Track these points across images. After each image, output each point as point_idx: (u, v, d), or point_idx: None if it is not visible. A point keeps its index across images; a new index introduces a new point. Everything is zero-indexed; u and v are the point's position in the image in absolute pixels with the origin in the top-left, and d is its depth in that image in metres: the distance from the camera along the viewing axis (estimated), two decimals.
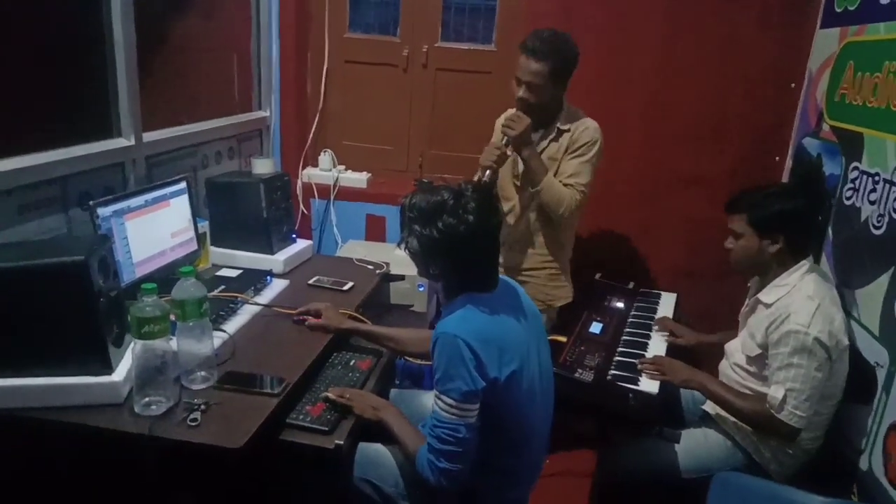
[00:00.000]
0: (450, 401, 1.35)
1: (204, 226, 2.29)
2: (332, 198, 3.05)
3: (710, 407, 2.07)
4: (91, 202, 1.73)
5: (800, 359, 1.73)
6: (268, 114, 2.94)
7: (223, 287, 2.06)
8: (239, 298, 2.00)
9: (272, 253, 2.34)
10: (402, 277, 2.67)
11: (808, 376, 1.72)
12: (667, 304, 2.59)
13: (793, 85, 2.62)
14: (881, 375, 1.75)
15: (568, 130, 2.18)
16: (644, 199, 2.85)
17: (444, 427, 1.37)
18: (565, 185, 2.16)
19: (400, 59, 3.00)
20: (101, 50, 1.94)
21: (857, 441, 1.81)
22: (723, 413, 1.98)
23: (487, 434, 1.41)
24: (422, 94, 3.03)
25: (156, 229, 1.98)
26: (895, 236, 1.76)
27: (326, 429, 1.54)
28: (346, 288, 2.25)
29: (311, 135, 3.07)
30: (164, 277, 1.92)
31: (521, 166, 2.24)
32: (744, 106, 2.69)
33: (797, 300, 1.80)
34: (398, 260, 2.74)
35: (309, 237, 2.93)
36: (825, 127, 2.31)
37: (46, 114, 1.88)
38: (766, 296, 1.91)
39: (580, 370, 1.93)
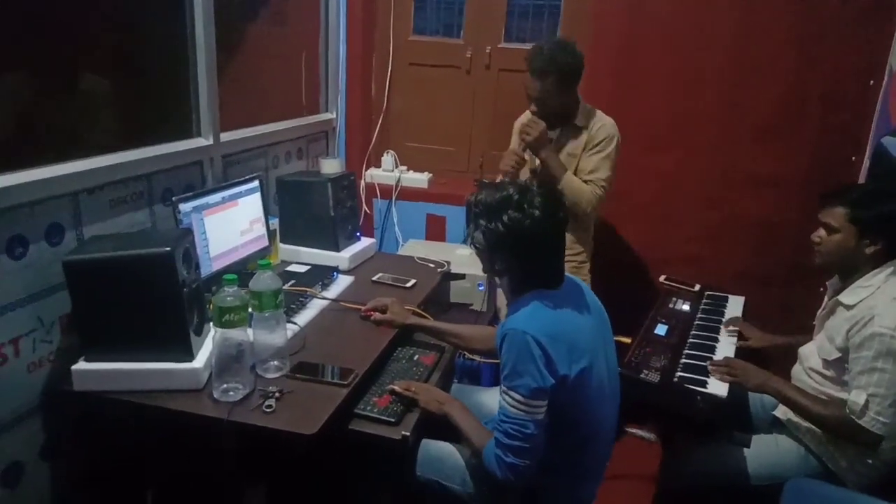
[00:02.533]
0: (518, 397, 1.36)
1: (274, 223, 2.37)
2: (393, 197, 3.10)
3: (781, 412, 2.00)
4: (174, 198, 1.82)
5: (884, 363, 1.66)
6: (334, 115, 3.02)
7: (293, 282, 2.13)
8: (308, 293, 2.07)
9: (338, 250, 2.40)
10: (462, 276, 2.70)
11: (893, 381, 1.65)
12: (734, 308, 2.52)
13: (871, 82, 2.51)
14: None
15: (586, 128, 2.24)
16: (713, 200, 2.79)
17: (512, 422, 1.38)
18: (585, 181, 2.22)
19: (463, 61, 3.03)
20: (184, 53, 2.05)
21: None
22: (795, 419, 1.92)
23: (557, 431, 1.41)
24: (484, 96, 3.05)
25: (231, 225, 2.06)
26: None
27: (393, 420, 1.57)
28: (408, 285, 2.29)
29: (375, 136, 3.14)
30: (238, 271, 2.01)
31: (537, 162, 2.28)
32: (819, 104, 2.60)
33: (882, 302, 1.72)
34: (458, 259, 2.77)
35: (371, 236, 3.00)
36: None
37: (134, 114, 1.99)
38: (847, 297, 1.84)
39: (646, 371, 1.91)
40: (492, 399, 1.92)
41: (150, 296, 1.46)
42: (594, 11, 2.71)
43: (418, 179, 3.11)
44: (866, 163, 2.54)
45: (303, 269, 2.30)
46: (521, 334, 1.35)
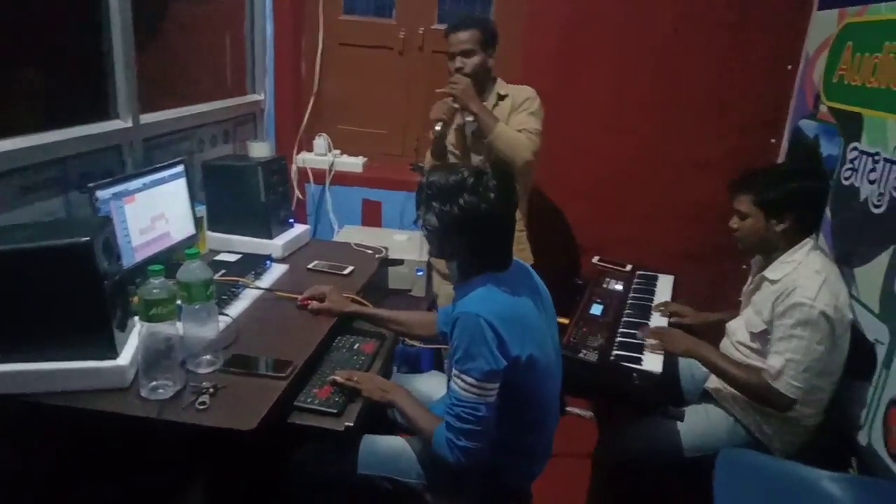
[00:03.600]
0: (470, 380, 1.35)
1: (201, 210, 2.26)
2: (327, 182, 3.03)
3: (711, 385, 2.09)
4: (90, 185, 1.70)
5: (802, 331, 1.74)
6: (262, 97, 2.91)
7: (223, 272, 2.04)
8: (240, 282, 1.99)
9: (271, 237, 2.32)
10: (400, 262, 2.66)
11: (809, 349, 1.74)
12: (664, 286, 2.60)
13: (789, 67, 2.63)
14: (881, 352, 1.77)
15: (507, 95, 2.30)
16: (646, 182, 2.87)
17: (464, 406, 1.37)
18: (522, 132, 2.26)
19: (396, 42, 2.97)
20: (99, 30, 1.90)
21: (857, 417, 1.84)
22: (724, 390, 2.00)
23: (508, 413, 1.41)
24: (417, 78, 3.01)
25: (154, 213, 1.95)
26: (894, 215, 1.78)
27: (335, 411, 1.53)
28: (346, 272, 2.24)
29: (306, 119, 3.04)
30: (164, 262, 1.90)
31: (469, 133, 2.33)
32: (742, 90, 2.70)
33: (804, 274, 1.81)
34: (396, 245, 2.74)
35: (305, 222, 2.92)
36: (822, 108, 2.32)
37: (46, 95, 1.84)
38: (771, 272, 1.92)
39: (584, 350, 1.94)
40: (427, 385, 1.91)
41: (69, 290, 1.36)
42: None
43: (352, 163, 3.04)
44: (785, 144, 2.67)
45: (233, 258, 2.21)
46: (474, 317, 1.34)
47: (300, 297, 1.92)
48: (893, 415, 1.69)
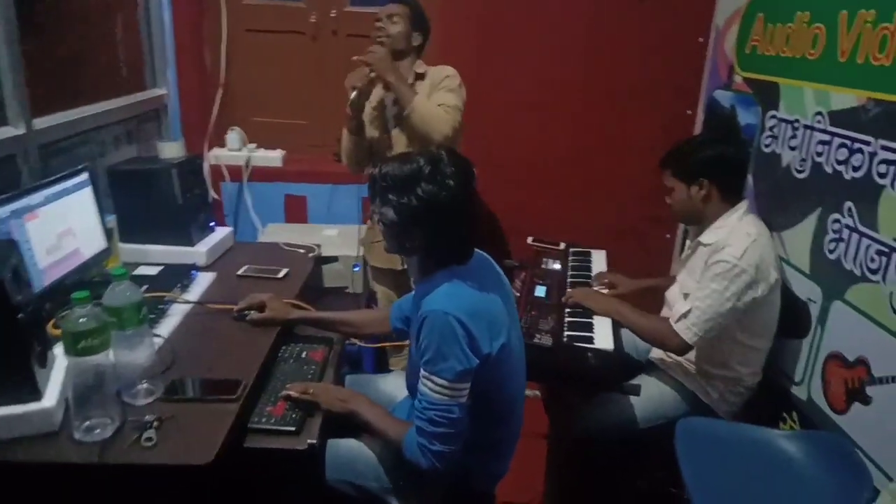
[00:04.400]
0: (442, 381, 1.29)
1: (111, 221, 2.06)
2: (245, 179, 2.85)
3: (654, 355, 2.15)
4: None
5: (717, 283, 1.81)
6: (165, 91, 2.68)
7: (146, 287, 1.86)
8: (167, 298, 1.82)
9: (192, 245, 2.15)
10: (335, 259, 2.56)
11: (718, 300, 1.80)
12: (598, 261, 2.63)
13: (700, 40, 2.71)
14: (815, 311, 1.86)
15: (425, 73, 2.27)
16: (569, 161, 2.89)
17: (436, 409, 1.31)
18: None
19: (307, 27, 2.82)
20: None
21: (795, 373, 1.94)
22: (667, 359, 2.06)
23: (478, 410, 1.36)
24: (334, 64, 2.86)
25: (60, 228, 1.74)
26: (818, 179, 1.87)
27: (294, 428, 1.43)
28: (280, 275, 2.11)
29: (215, 112, 2.84)
30: (76, 282, 1.72)
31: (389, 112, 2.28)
32: (657, 65, 2.76)
33: (735, 236, 1.87)
34: (327, 241, 2.62)
35: (223, 224, 2.73)
36: (737, 79, 2.41)
37: None
38: (706, 237, 1.98)
39: (538, 335, 1.92)
40: (389, 385, 1.84)
41: None
42: None
43: (271, 157, 2.87)
44: (701, 115, 2.76)
45: (154, 270, 2.03)
46: (443, 315, 1.28)
47: (235, 307, 1.78)
48: (830, 369, 1.78)
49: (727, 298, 1.79)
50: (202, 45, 2.79)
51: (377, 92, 2.26)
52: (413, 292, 1.57)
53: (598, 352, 1.90)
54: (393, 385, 1.82)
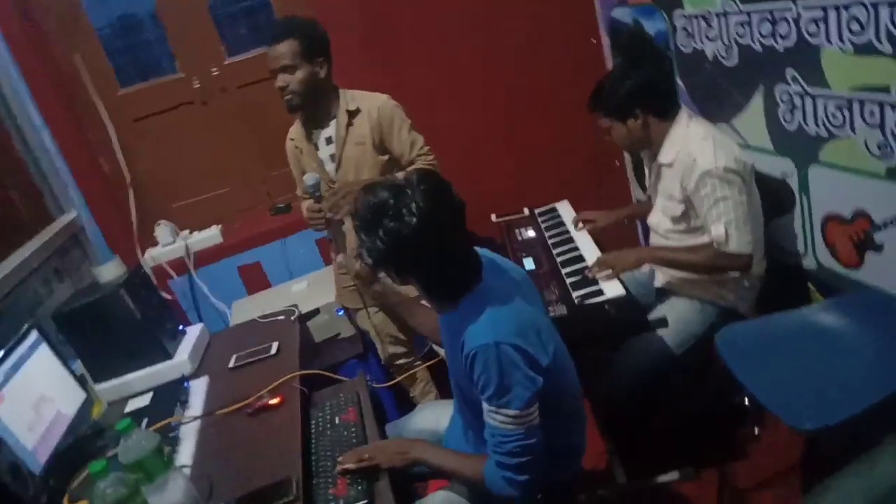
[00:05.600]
0: (512, 412, 1.21)
1: (78, 366, 1.89)
2: (191, 268, 2.68)
3: (660, 282, 2.14)
4: None
5: (722, 191, 1.80)
6: (75, 214, 2.48)
7: (146, 420, 1.72)
8: (172, 423, 1.68)
9: (171, 357, 1.99)
10: (316, 311, 2.44)
11: (737, 203, 1.80)
12: (566, 211, 2.61)
13: None
14: (794, 183, 1.88)
15: (360, 110, 2.03)
16: (500, 132, 2.86)
17: (513, 440, 1.23)
18: (413, 160, 2.06)
19: (193, 94, 2.66)
20: None
21: (797, 247, 1.96)
22: (674, 280, 2.06)
23: (551, 418, 1.29)
24: (233, 119, 2.72)
25: (32, 399, 1.58)
26: (750, 59, 1.88)
27: (366, 501, 1.34)
28: (273, 351, 1.98)
29: (134, 214, 2.65)
30: (74, 448, 1.57)
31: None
32: (547, 7, 2.72)
33: (694, 145, 1.87)
34: (300, 296, 2.51)
35: (188, 322, 2.58)
36: None
37: None
38: (663, 157, 1.97)
39: (551, 308, 1.88)
40: (427, 420, 1.76)
41: None
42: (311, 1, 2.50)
43: (209, 237, 2.71)
44: (607, 40, 2.75)
45: (145, 400, 1.87)
46: (494, 347, 1.18)
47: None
48: (831, 231, 1.81)
49: (739, 195, 1.79)
50: (94, 154, 2.60)
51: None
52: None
53: (612, 301, 1.88)
54: (431, 418, 1.73)
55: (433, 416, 1.73)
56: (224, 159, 2.76)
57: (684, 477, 2.06)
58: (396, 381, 2.11)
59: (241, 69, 2.67)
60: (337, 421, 1.64)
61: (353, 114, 2.03)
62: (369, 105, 2.03)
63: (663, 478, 2.07)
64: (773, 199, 1.95)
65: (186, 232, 2.73)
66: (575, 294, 1.95)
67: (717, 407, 2.22)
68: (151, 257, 2.66)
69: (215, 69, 2.65)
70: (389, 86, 2.17)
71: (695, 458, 2.07)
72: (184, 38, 2.61)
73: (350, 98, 2.04)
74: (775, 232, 1.99)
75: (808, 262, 1.93)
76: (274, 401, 1.68)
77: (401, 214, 1.19)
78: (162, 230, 2.67)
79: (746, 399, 2.17)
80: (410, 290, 1.43)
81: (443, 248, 1.24)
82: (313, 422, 1.67)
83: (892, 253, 1.61)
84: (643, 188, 3.00)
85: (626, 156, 2.97)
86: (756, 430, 2.16)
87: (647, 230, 2.97)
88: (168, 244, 2.68)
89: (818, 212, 1.82)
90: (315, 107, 2.01)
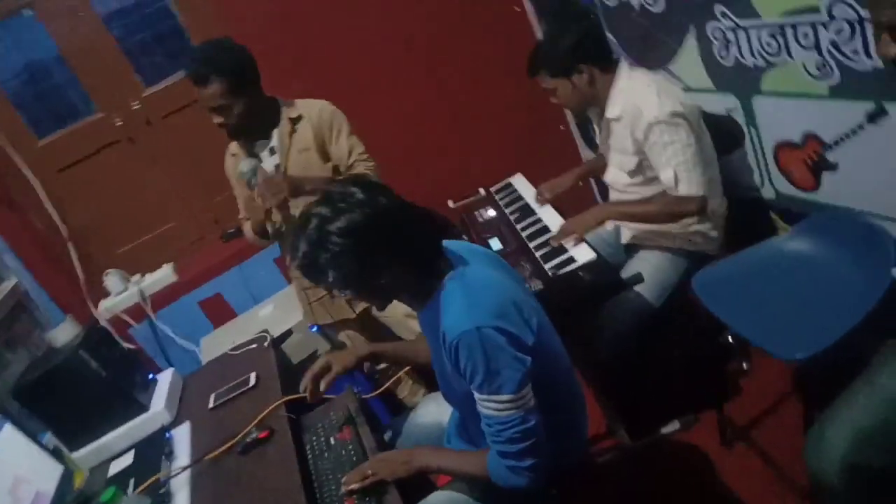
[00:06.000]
0: (506, 397, 1.17)
1: (49, 438, 1.79)
2: (150, 312, 2.57)
3: (625, 238, 2.13)
4: None
5: (670, 136, 1.79)
6: (15, 280, 2.33)
7: (132, 480, 1.63)
8: (161, 479, 1.60)
9: (147, 409, 1.90)
10: (289, 333, 2.37)
11: (685, 146, 1.79)
12: (521, 185, 2.57)
13: None
14: (739, 117, 1.89)
15: (301, 117, 1.96)
16: (440, 120, 2.81)
17: (511, 427, 1.19)
18: (351, 165, 1.99)
19: (117, 132, 2.54)
20: None
21: (753, 181, 1.97)
22: (639, 234, 2.05)
23: (547, 399, 1.25)
24: (164, 151, 2.61)
25: (7, 485, 1.48)
26: (675, 2, 1.87)
27: None
28: (252, 383, 1.90)
29: (79, 268, 2.52)
30: None
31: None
32: None
33: (638, 95, 1.85)
34: (268, 320, 2.43)
35: (157, 369, 2.47)
36: None
37: None
38: (610, 112, 1.95)
39: (527, 284, 1.85)
40: (427, 415, 1.71)
41: None
42: (222, 16, 2.40)
43: (162, 277, 2.60)
44: (530, 6, 2.72)
45: (127, 459, 1.78)
46: (475, 332, 1.14)
47: (308, 394, 1.56)
48: (783, 158, 1.82)
49: (687, 138, 1.78)
50: (24, 213, 2.45)
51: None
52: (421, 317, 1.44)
53: (585, 266, 1.86)
54: (434, 412, 1.69)
55: (436, 410, 1.68)
56: (163, 194, 2.65)
57: (686, 425, 2.07)
58: (385, 386, 2.05)
59: (162, 99, 2.55)
60: (332, 441, 1.58)
61: (295, 121, 1.96)
62: (310, 110, 1.97)
63: (666, 430, 2.08)
64: (723, 137, 1.95)
65: (138, 276, 2.61)
66: (547, 266, 1.92)
67: (703, 350, 2.23)
68: (106, 309, 2.53)
69: (135, 103, 2.52)
70: (314, 94, 2.07)
71: (692, 404, 2.09)
72: (96, 76, 2.48)
73: (293, 107, 1.98)
74: (730, 168, 2.00)
75: (767, 193, 1.95)
76: (263, 434, 1.62)
77: (343, 209, 1.17)
78: (111, 279, 2.54)
79: (730, 337, 2.19)
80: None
81: (399, 218, 1.22)
82: (308, 447, 1.60)
83: (847, 170, 1.63)
84: (592, 147, 3.01)
85: (570, 117, 2.96)
86: (745, 365, 2.18)
87: (603, 189, 3.01)
88: (120, 293, 2.56)
89: (768, 141, 1.84)
90: (256, 126, 1.94)
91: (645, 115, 1.80)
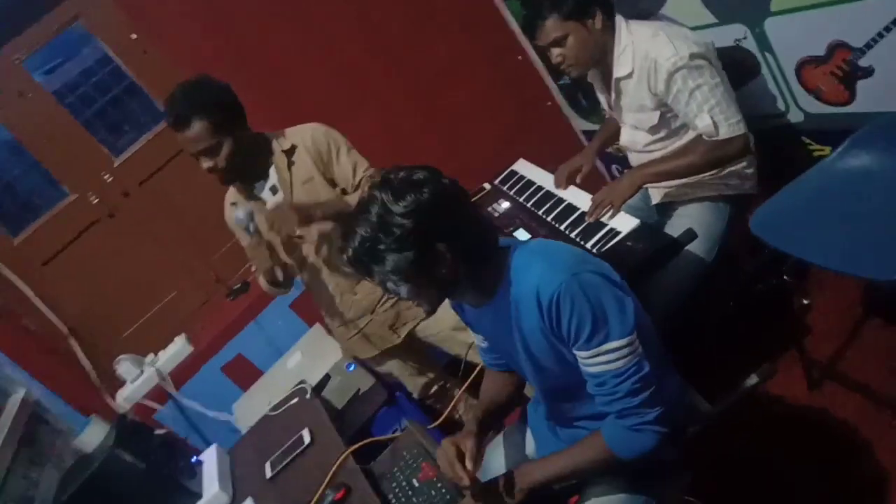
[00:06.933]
0: (618, 343, 1.09)
1: None
2: (172, 393, 2.39)
3: (657, 198, 2.02)
4: None
5: (694, 81, 1.67)
6: (24, 390, 2.15)
7: None
8: None
9: (201, 495, 1.76)
10: (327, 377, 2.22)
11: (713, 87, 1.68)
12: (527, 170, 2.44)
13: None
14: (750, 45, 1.79)
15: (295, 146, 1.82)
16: (427, 116, 2.69)
17: (629, 377, 1.10)
18: (357, 184, 1.85)
19: (95, 210, 2.38)
20: None
21: (776, 108, 1.87)
22: (672, 190, 1.94)
23: (647, 348, 1.15)
24: (149, 219, 2.46)
25: None
26: None
27: None
28: (307, 442, 1.76)
29: (87, 363, 2.35)
30: None
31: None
32: None
33: (647, 46, 1.73)
34: (299, 370, 2.29)
35: (199, 450, 2.30)
36: None
37: None
38: (619, 71, 1.83)
39: None
40: (501, 457, 1.57)
41: None
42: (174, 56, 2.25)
43: (177, 352, 2.42)
44: None
45: None
46: (573, 280, 1.08)
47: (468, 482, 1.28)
48: (809, 77, 1.72)
49: (712, 77, 1.66)
50: (16, 317, 2.28)
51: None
52: (476, 320, 1.35)
53: (631, 235, 1.74)
54: (509, 453, 1.52)
55: (510, 452, 1.53)
56: (157, 264, 2.50)
57: (764, 376, 1.95)
58: (447, 412, 1.89)
59: (135, 165, 2.40)
60: (416, 483, 1.45)
61: (290, 152, 1.81)
62: (302, 137, 1.82)
63: (746, 385, 1.96)
64: (735, 69, 1.83)
65: (151, 356, 2.43)
66: (589, 245, 1.80)
67: (758, 296, 2.13)
68: (125, 399, 2.35)
69: (107, 176, 2.36)
70: (296, 119, 1.92)
71: (764, 354, 1.97)
72: (59, 157, 2.32)
73: (283, 138, 1.82)
74: (748, 100, 1.88)
75: (795, 117, 1.85)
76: (340, 494, 1.47)
77: (405, 192, 1.11)
78: (124, 366, 2.36)
79: (784, 275, 2.08)
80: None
81: (462, 198, 1.18)
82: (392, 497, 1.47)
83: (885, 73, 1.53)
84: (585, 116, 2.91)
85: (555, 91, 2.85)
86: (806, 301, 2.08)
87: (608, 162, 2.90)
88: (136, 378, 2.38)
89: (788, 63, 1.74)
90: (250, 166, 1.79)
91: (662, 65, 1.68)
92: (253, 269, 1.96)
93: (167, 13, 2.23)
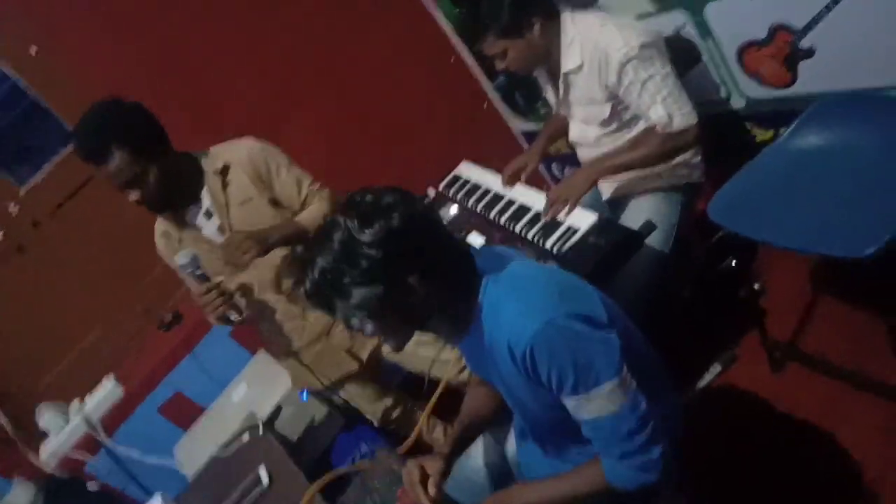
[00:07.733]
0: (608, 386, 0.99)
1: None
2: (104, 440, 2.17)
3: (607, 193, 2.00)
4: None
5: (646, 71, 1.66)
6: None
7: None
8: None
9: None
10: (278, 409, 2.07)
11: (664, 77, 1.67)
12: (471, 172, 2.37)
13: None
14: (692, 33, 1.78)
15: (229, 165, 1.67)
16: (362, 124, 2.58)
17: (625, 419, 1.01)
18: (307, 197, 1.74)
19: (2, 246, 2.18)
20: None
21: (718, 94, 1.88)
22: (623, 183, 1.93)
23: (641, 373, 1.07)
24: (64, 250, 2.26)
25: None
26: None
27: None
28: (265, 481, 1.62)
29: (4, 420, 2.10)
30: None
31: None
32: None
33: (596, 37, 1.71)
34: (246, 402, 2.14)
35: (142, 499, 2.09)
36: None
37: None
38: (568, 64, 1.79)
39: None
40: (480, 457, 1.49)
41: None
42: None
43: (106, 395, 2.23)
44: None
45: None
46: (546, 329, 0.97)
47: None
48: (751, 60, 1.73)
49: (662, 67, 1.64)
50: None
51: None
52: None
53: (590, 231, 1.69)
54: (490, 452, 1.46)
55: (491, 450, 1.46)
56: (77, 299, 2.30)
57: (726, 363, 1.96)
58: (414, 436, 1.75)
59: (44, 192, 2.20)
60: None
61: (223, 172, 1.65)
62: (237, 155, 1.67)
63: (709, 375, 1.96)
64: (683, 58, 1.83)
65: (76, 403, 2.21)
66: (549, 245, 1.74)
67: (711, 284, 2.13)
68: (50, 455, 2.12)
69: (13, 206, 2.13)
70: (216, 132, 1.79)
71: (723, 341, 1.98)
72: None
73: (213, 157, 1.66)
74: (689, 88, 1.88)
75: (736, 102, 1.86)
76: None
77: (372, 217, 0.98)
78: (46, 417, 2.14)
79: (733, 261, 2.10)
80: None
81: (434, 222, 1.08)
82: None
83: (826, 52, 1.55)
84: (521, 114, 2.87)
85: (490, 91, 2.80)
86: (757, 286, 2.10)
87: (547, 162, 2.88)
88: (61, 428, 2.15)
89: (730, 48, 1.74)
90: (180, 190, 1.63)
91: (613, 56, 1.65)
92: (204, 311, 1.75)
93: (70, 23, 2.03)
